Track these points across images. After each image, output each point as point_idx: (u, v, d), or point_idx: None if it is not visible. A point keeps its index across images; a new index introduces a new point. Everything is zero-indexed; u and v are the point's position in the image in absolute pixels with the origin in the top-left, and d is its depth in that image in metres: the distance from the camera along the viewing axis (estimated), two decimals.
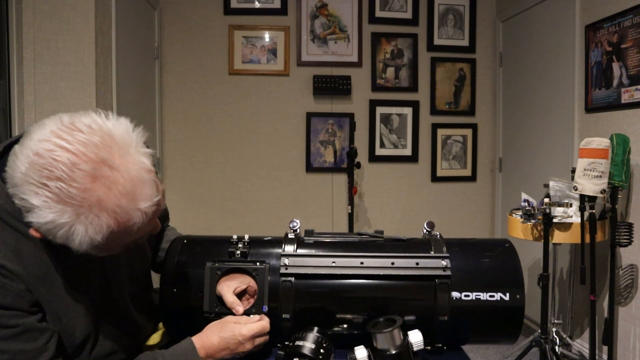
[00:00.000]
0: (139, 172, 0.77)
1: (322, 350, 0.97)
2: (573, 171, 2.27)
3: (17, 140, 0.83)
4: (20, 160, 0.74)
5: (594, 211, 2.20)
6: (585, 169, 2.18)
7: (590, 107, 2.69)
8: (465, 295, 1.04)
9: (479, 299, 1.04)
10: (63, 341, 0.91)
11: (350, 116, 3.59)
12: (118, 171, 0.75)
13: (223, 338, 0.98)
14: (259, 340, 1.01)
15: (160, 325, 1.22)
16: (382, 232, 1.17)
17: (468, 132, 3.74)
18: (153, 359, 0.96)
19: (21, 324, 0.83)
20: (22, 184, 0.74)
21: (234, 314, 1.04)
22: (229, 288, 1.07)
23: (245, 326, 1.00)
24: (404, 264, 1.05)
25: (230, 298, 1.05)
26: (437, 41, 3.66)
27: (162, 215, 1.24)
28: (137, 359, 0.96)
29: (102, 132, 0.77)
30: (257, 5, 3.52)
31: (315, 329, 1.01)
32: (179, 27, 3.48)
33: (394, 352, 0.94)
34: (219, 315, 1.05)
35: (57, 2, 2.26)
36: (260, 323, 1.01)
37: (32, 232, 0.79)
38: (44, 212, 0.73)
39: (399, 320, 0.97)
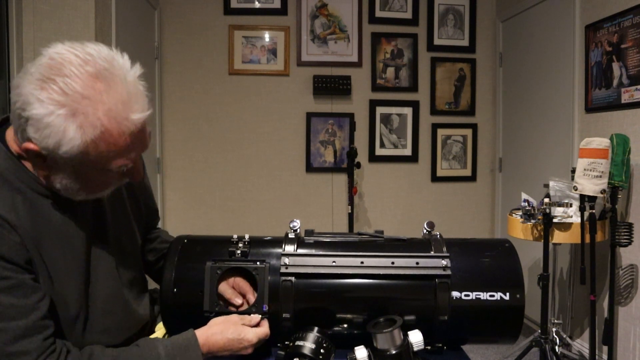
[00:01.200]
0: (136, 86, 0.87)
1: (322, 350, 0.97)
2: (573, 171, 2.27)
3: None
4: (32, 65, 0.83)
5: (594, 211, 2.20)
6: (585, 169, 2.18)
7: (590, 107, 2.70)
8: (465, 295, 1.04)
9: (479, 298, 1.04)
10: (57, 309, 0.92)
11: (350, 116, 3.59)
12: (119, 78, 0.84)
13: (229, 339, 0.98)
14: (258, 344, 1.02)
15: (161, 325, 1.22)
16: (382, 232, 1.17)
17: (468, 132, 3.74)
18: (153, 344, 0.95)
19: (14, 277, 0.84)
20: (29, 83, 0.81)
21: (232, 313, 1.05)
22: (226, 285, 1.10)
23: (252, 331, 1.00)
24: (404, 264, 1.05)
25: (228, 293, 1.09)
26: (437, 41, 3.66)
27: (151, 206, 1.28)
28: (137, 343, 0.96)
29: (108, 52, 0.88)
30: (257, 5, 3.52)
31: (316, 328, 1.01)
32: (179, 27, 3.48)
33: (394, 352, 0.94)
34: (218, 315, 1.05)
35: (57, 2, 2.26)
36: (265, 329, 1.02)
37: (28, 144, 0.84)
38: (46, 104, 0.79)
39: (399, 320, 0.97)
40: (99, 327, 0.99)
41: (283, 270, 1.05)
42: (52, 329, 0.88)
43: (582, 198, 2.21)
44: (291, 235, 1.12)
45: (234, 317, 1.02)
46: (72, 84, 0.80)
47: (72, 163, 0.86)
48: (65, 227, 0.95)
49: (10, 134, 0.92)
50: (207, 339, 0.97)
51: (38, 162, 0.88)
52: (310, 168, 3.60)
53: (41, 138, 0.82)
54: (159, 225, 1.40)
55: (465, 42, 3.70)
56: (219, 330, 0.99)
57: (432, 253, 1.07)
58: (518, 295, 1.05)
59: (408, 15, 3.64)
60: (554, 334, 2.47)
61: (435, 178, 3.73)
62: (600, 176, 2.16)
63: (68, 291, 0.94)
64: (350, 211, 3.25)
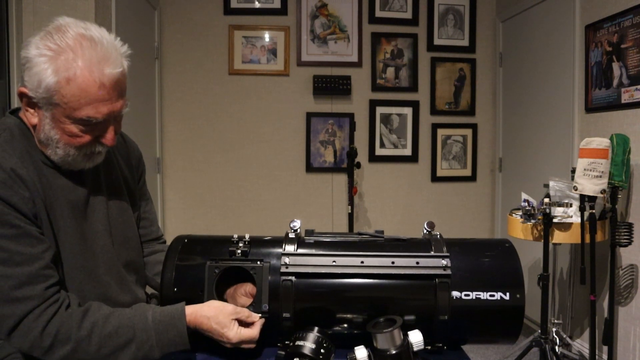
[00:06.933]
0: (118, 50, 0.99)
1: (322, 350, 0.97)
2: (573, 171, 2.27)
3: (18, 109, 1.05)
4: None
5: (594, 211, 2.20)
6: (585, 169, 2.18)
7: (590, 107, 2.70)
8: (466, 295, 1.04)
9: (479, 298, 1.04)
10: (58, 271, 1.01)
11: (350, 116, 3.59)
12: (105, 43, 0.97)
13: (212, 327, 0.99)
14: (245, 345, 1.01)
15: None
16: (382, 232, 1.17)
17: (468, 132, 3.74)
18: (144, 309, 1.01)
19: (22, 227, 0.92)
20: (35, 36, 0.96)
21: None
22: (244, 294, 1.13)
23: (235, 331, 0.99)
24: (404, 263, 1.05)
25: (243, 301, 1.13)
26: (437, 41, 3.66)
27: (150, 210, 1.35)
28: (133, 307, 1.02)
29: (106, 32, 1.01)
30: (257, 5, 3.52)
31: (316, 328, 1.01)
32: (179, 27, 3.48)
33: (394, 352, 0.94)
34: None
35: (57, 2, 2.26)
36: (251, 332, 1.00)
37: (22, 89, 0.97)
38: (40, 48, 0.94)
39: (399, 320, 0.97)
40: (97, 294, 1.06)
41: (283, 269, 1.05)
42: (54, 279, 0.95)
43: (582, 198, 2.21)
44: (291, 235, 1.12)
45: (230, 307, 1.01)
46: (65, 39, 0.95)
47: (50, 107, 0.96)
48: (67, 195, 1.04)
49: (21, 113, 1.04)
50: (196, 317, 1.00)
51: (30, 108, 1.00)
52: (310, 168, 3.60)
53: (29, 78, 0.95)
54: (161, 227, 1.43)
55: (465, 42, 3.70)
56: (209, 314, 1.00)
57: (432, 253, 1.07)
58: (518, 295, 1.05)
59: (408, 15, 3.63)
60: (554, 334, 2.47)
61: (435, 178, 3.73)
62: (600, 176, 2.16)
63: (70, 256, 1.03)
64: (350, 211, 3.25)
